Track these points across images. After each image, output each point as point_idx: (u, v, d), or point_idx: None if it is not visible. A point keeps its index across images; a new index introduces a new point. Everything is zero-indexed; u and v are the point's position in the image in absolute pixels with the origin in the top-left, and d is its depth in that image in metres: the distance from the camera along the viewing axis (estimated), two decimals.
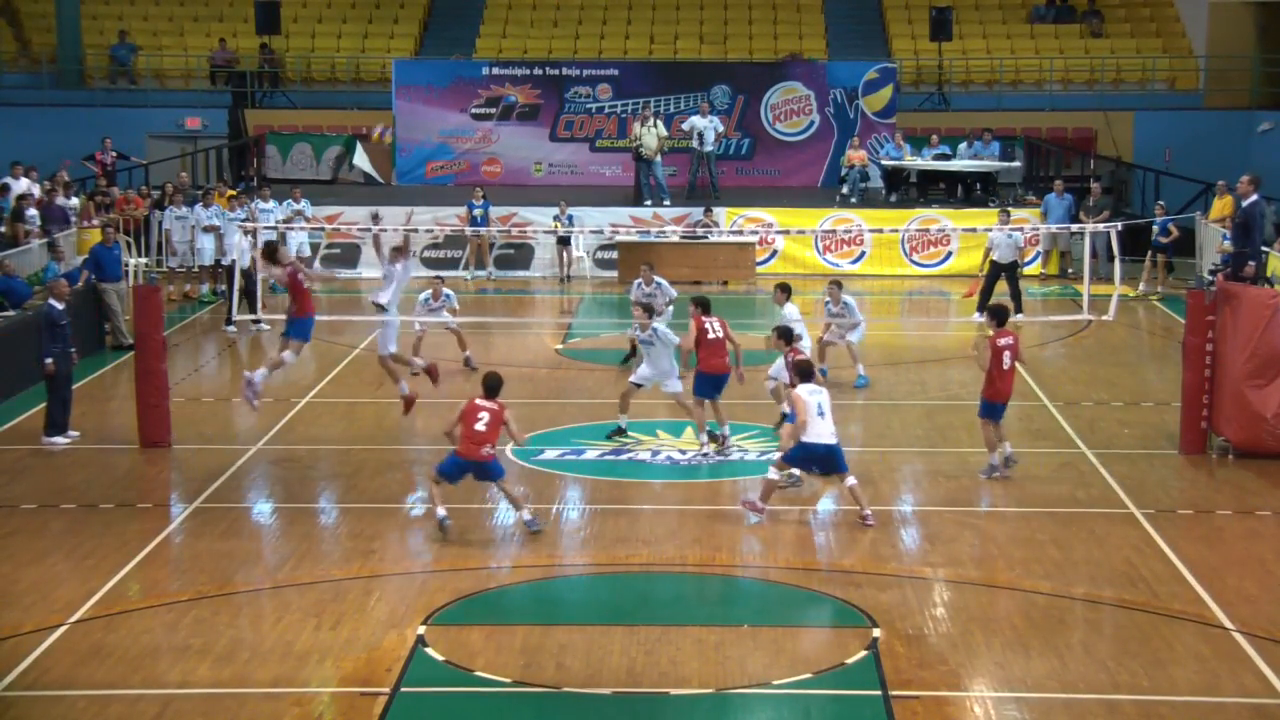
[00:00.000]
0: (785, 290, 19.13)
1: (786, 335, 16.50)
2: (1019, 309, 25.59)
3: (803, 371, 15.35)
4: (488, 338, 24.75)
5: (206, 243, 27.83)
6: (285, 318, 17.15)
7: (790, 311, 18.68)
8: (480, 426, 14.57)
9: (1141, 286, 28.65)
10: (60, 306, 18.37)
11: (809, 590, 13.42)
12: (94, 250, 24.23)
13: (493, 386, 14.87)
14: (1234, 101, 37.31)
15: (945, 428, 19.01)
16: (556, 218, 29.94)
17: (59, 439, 18.02)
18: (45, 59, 39.21)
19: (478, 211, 30.32)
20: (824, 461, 15.04)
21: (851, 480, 15.05)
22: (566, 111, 34.86)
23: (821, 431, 14.85)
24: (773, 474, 15.14)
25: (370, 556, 14.15)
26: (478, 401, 14.75)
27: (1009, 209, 27.74)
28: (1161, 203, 30.50)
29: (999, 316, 16.69)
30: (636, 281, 21.52)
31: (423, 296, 22.27)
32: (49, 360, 17.93)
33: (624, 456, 17.41)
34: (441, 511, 14.65)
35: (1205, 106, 37.38)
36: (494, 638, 12.22)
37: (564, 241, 30.20)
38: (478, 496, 15.95)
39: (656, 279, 21.25)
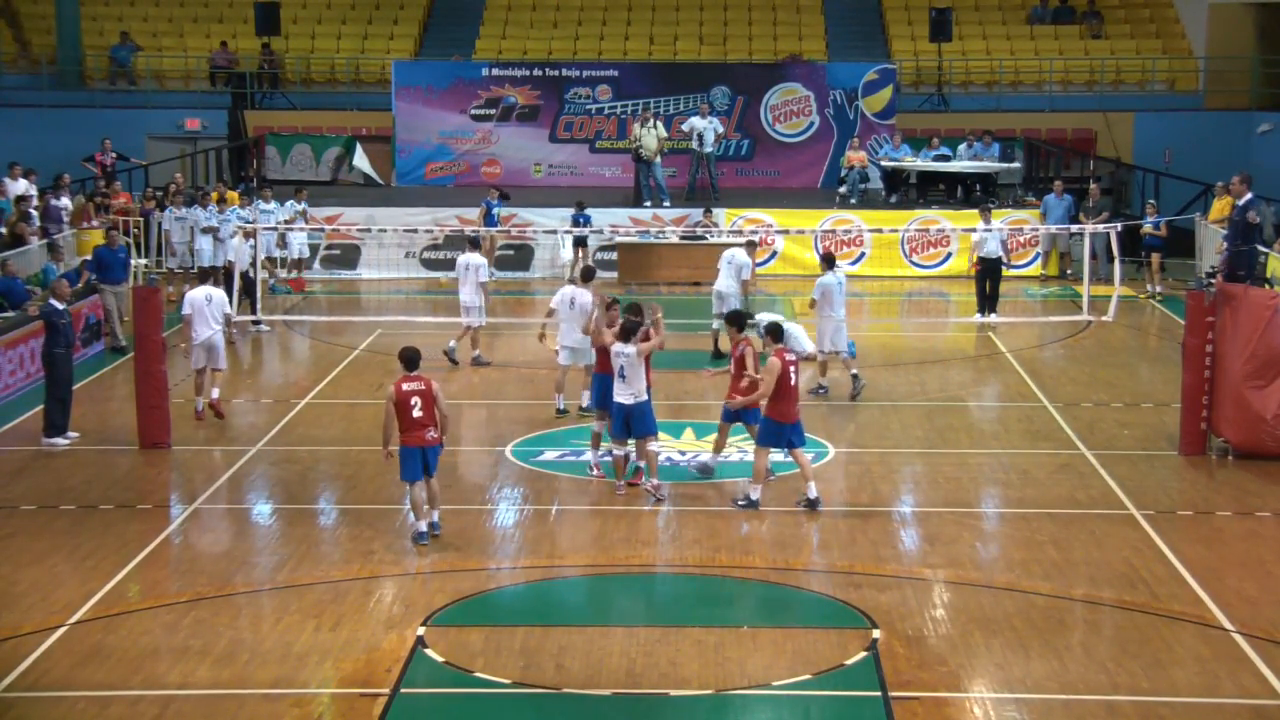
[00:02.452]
0: (828, 260, 20.68)
1: (775, 332, 16.34)
2: (993, 308, 25.70)
3: (624, 331, 15.82)
4: (488, 338, 24.73)
5: (205, 244, 27.80)
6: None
7: (827, 279, 20.15)
8: (417, 413, 14.27)
9: (1148, 287, 28.65)
10: (61, 307, 18.41)
11: (809, 591, 13.43)
12: (96, 251, 24.27)
13: (412, 359, 14.53)
14: (1234, 102, 37.31)
15: (945, 429, 19.03)
16: (576, 220, 29.70)
17: (58, 440, 18.03)
18: (45, 60, 39.20)
19: (496, 211, 29.92)
20: (628, 421, 15.66)
21: (654, 445, 15.69)
22: (566, 112, 34.86)
23: (620, 393, 15.62)
24: (616, 450, 15.95)
25: (370, 557, 14.15)
26: (405, 386, 14.30)
27: (990, 208, 27.76)
28: (1152, 201, 30.55)
29: (776, 334, 15.90)
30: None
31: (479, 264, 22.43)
32: (58, 351, 18.01)
33: None
34: (422, 526, 14.49)
35: (1205, 107, 37.37)
36: (494, 639, 12.22)
37: (580, 243, 30.10)
38: (477, 498, 15.96)
39: None
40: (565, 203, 30.65)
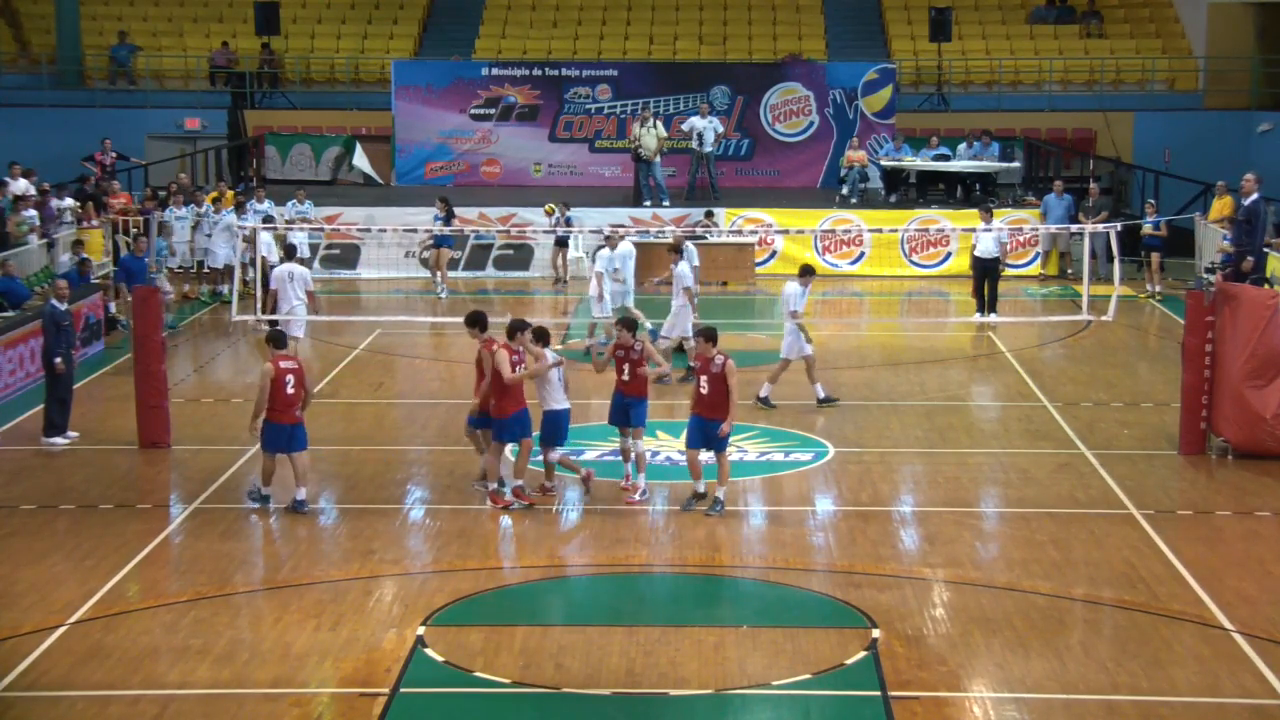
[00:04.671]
0: (678, 249, 21.10)
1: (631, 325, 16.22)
2: (992, 308, 25.71)
3: (540, 337, 15.70)
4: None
5: (218, 246, 27.63)
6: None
7: (683, 269, 20.85)
8: (290, 390, 15.19)
9: (1148, 287, 28.64)
10: (63, 307, 18.35)
11: (809, 591, 13.42)
12: (122, 260, 24.31)
13: (283, 338, 15.66)
14: (1233, 102, 37.32)
15: (945, 428, 19.02)
16: (556, 219, 29.52)
17: (58, 440, 18.01)
18: (45, 59, 39.22)
19: (437, 225, 28.84)
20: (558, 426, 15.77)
21: (555, 454, 15.72)
22: (566, 112, 34.86)
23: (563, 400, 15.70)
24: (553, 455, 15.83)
25: (370, 557, 14.15)
26: (282, 364, 15.16)
27: (990, 208, 27.79)
28: (1151, 201, 30.57)
29: (710, 336, 15.37)
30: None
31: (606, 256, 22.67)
32: (57, 360, 17.96)
33: None
34: (266, 490, 15.48)
35: (1205, 107, 37.39)
36: (493, 638, 12.22)
37: (562, 243, 29.94)
38: (477, 497, 15.95)
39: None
40: (565, 202, 30.58)
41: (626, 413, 15.98)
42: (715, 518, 15.16)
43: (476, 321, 15.75)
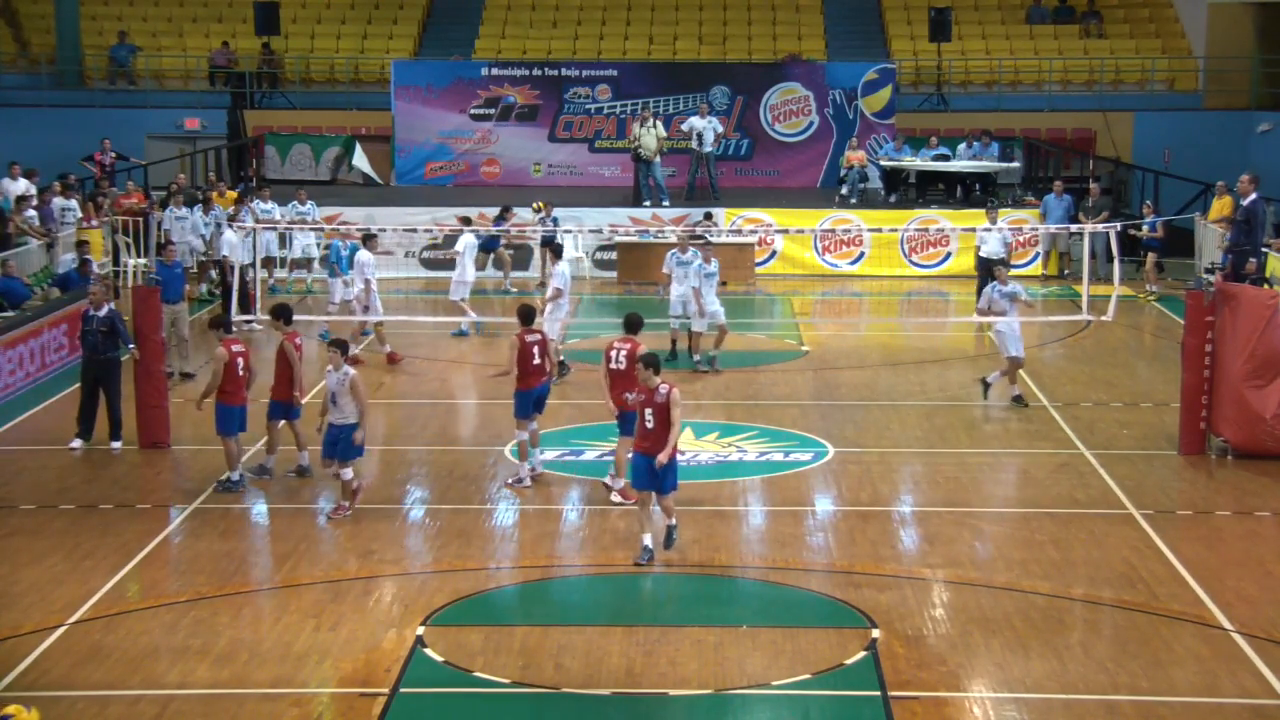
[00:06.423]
0: (556, 251, 21.87)
1: (527, 315, 16.42)
2: None
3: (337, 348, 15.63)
4: (487, 338, 24.76)
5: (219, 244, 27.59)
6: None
7: (560, 268, 21.24)
8: (242, 371, 15.91)
9: (1146, 287, 28.63)
10: (90, 313, 18.13)
11: (808, 591, 13.43)
12: (159, 268, 24.27)
13: (226, 323, 16.44)
14: (1233, 102, 37.32)
15: (945, 428, 19.03)
16: (540, 217, 28.88)
17: (73, 442, 17.88)
18: (45, 60, 39.22)
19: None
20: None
21: (346, 472, 15.24)
22: (566, 112, 34.86)
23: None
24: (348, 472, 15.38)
25: (370, 557, 14.16)
26: (234, 348, 15.89)
27: (996, 207, 27.77)
28: (1149, 202, 30.58)
29: (653, 364, 13.75)
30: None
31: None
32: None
33: None
34: (236, 475, 15.99)
35: (1204, 107, 37.40)
36: (493, 638, 12.22)
37: (548, 243, 29.33)
38: (476, 497, 15.96)
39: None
40: (565, 202, 30.60)
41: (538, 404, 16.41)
42: (670, 550, 13.99)
43: (281, 314, 16.69)
